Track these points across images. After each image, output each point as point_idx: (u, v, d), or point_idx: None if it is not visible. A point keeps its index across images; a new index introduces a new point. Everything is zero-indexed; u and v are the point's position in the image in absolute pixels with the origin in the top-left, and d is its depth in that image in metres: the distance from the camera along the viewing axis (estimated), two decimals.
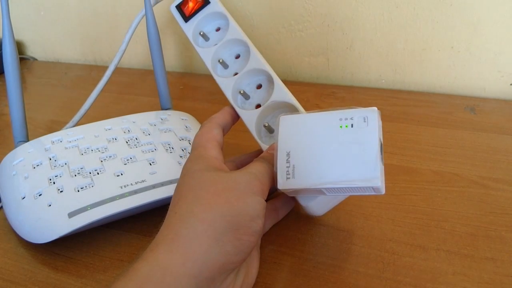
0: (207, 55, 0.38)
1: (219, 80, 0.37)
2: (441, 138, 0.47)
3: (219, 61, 0.38)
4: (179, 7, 0.41)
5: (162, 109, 0.51)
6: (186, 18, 0.40)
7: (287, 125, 0.30)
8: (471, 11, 0.53)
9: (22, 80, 0.71)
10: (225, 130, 0.35)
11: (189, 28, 0.40)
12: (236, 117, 0.36)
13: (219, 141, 0.32)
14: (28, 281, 0.33)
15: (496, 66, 0.55)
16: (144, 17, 0.47)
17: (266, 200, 0.29)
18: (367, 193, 0.28)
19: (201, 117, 0.49)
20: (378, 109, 0.28)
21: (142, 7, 0.47)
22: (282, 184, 0.29)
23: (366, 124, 0.28)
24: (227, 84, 0.37)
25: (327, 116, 0.29)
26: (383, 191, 0.27)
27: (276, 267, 0.33)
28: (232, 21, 0.38)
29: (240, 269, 0.28)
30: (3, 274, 0.33)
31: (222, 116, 0.35)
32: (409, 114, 0.53)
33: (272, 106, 0.35)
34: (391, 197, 0.38)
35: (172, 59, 0.72)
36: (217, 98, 0.58)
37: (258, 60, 0.36)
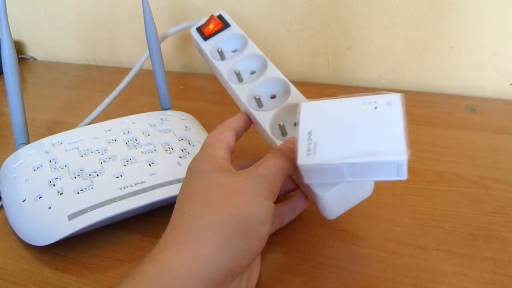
0: (224, 67, 0.39)
1: (234, 87, 0.38)
2: (441, 138, 0.47)
3: (235, 72, 0.39)
4: (199, 29, 0.42)
5: (162, 109, 0.51)
6: (206, 38, 0.42)
7: (309, 109, 0.30)
8: (471, 11, 0.53)
9: (22, 80, 0.71)
10: (238, 135, 0.34)
11: (208, 45, 0.41)
12: (249, 123, 0.36)
13: (230, 144, 0.32)
14: (28, 281, 0.33)
15: (496, 66, 0.55)
16: (144, 17, 0.47)
17: (275, 201, 0.28)
18: (389, 178, 0.27)
19: (201, 117, 0.50)
20: None
21: (141, 6, 0.47)
22: (303, 160, 0.28)
23: (390, 107, 0.28)
24: (242, 90, 0.37)
25: (350, 101, 0.29)
26: (406, 174, 0.26)
27: (276, 267, 0.33)
28: (250, 41, 0.40)
29: (243, 273, 0.28)
30: (3, 274, 0.34)
31: (236, 121, 0.35)
32: (409, 114, 0.52)
33: (287, 109, 0.35)
34: (391, 197, 0.38)
35: (172, 59, 0.72)
36: (217, 98, 0.58)
37: (276, 71, 0.37)
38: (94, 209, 0.34)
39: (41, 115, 0.58)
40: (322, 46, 0.62)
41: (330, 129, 0.28)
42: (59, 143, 0.41)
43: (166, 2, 0.67)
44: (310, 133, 0.29)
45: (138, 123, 0.44)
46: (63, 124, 0.55)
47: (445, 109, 0.53)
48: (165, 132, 0.43)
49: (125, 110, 0.57)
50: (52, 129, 0.54)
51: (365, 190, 0.32)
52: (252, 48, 0.40)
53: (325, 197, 0.30)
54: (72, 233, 0.33)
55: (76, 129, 0.44)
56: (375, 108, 0.28)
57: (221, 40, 0.41)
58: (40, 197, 0.35)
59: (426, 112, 0.53)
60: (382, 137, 0.26)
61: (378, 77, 0.61)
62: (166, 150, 0.40)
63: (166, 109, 0.50)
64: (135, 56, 0.73)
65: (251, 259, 0.27)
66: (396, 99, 0.28)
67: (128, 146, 0.40)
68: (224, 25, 0.41)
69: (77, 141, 0.41)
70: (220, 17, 0.42)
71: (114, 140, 0.41)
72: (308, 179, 0.29)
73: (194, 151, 0.41)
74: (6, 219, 0.37)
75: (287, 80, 0.37)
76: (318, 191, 0.30)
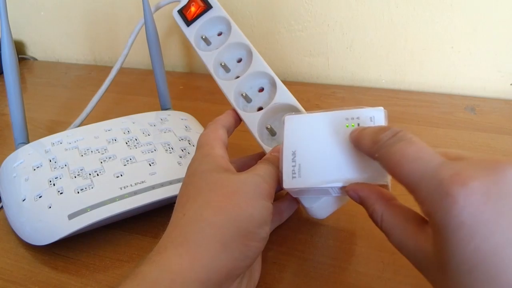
0: (209, 58, 0.38)
1: (221, 83, 0.37)
2: (441, 138, 0.47)
3: (221, 64, 0.38)
4: (181, 12, 0.40)
5: (162, 109, 0.51)
6: (188, 23, 0.40)
7: (292, 124, 0.30)
8: (471, 11, 0.53)
9: (22, 80, 0.71)
10: (229, 132, 0.35)
11: (191, 32, 0.40)
12: (238, 120, 0.36)
13: (225, 141, 0.32)
14: (28, 281, 0.33)
15: (496, 66, 0.55)
16: (144, 17, 0.47)
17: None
18: None
19: (201, 117, 0.50)
20: None
21: (141, 6, 0.47)
22: (288, 183, 0.29)
23: (373, 123, 0.27)
24: (229, 87, 0.37)
25: (333, 115, 0.29)
26: (390, 189, 0.27)
27: (276, 267, 0.33)
28: (234, 25, 0.38)
29: (244, 274, 0.28)
30: (3, 274, 0.33)
31: (226, 118, 0.35)
32: (409, 114, 0.53)
33: (274, 109, 0.35)
34: None
35: (172, 59, 0.72)
36: (217, 98, 0.58)
37: (260, 63, 0.36)
38: (94, 209, 0.34)
39: (41, 115, 0.58)
40: (322, 46, 0.62)
41: (313, 150, 0.29)
42: (59, 143, 0.41)
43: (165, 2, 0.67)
44: (294, 153, 0.29)
45: (138, 123, 0.44)
46: (63, 124, 0.55)
47: (445, 109, 0.53)
48: (165, 132, 0.43)
49: (125, 110, 0.57)
50: (52, 129, 0.54)
51: None
52: (236, 35, 0.38)
53: (312, 208, 0.32)
54: (72, 233, 0.33)
55: (76, 128, 0.44)
56: (358, 125, 0.28)
57: (205, 24, 0.39)
58: (40, 197, 0.35)
59: (426, 112, 0.53)
60: (364, 158, 0.27)
61: (378, 77, 0.61)
62: (166, 150, 0.40)
63: (166, 109, 0.50)
64: (135, 56, 0.73)
65: (251, 261, 0.27)
66: (378, 114, 0.28)
67: (128, 145, 0.40)
68: (206, 6, 0.39)
69: (77, 140, 0.41)
70: None
71: (114, 140, 0.41)
72: (295, 195, 0.31)
73: (194, 151, 0.41)
74: (6, 219, 0.37)
75: (272, 74, 0.36)
76: (305, 203, 0.32)
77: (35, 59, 0.82)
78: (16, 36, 0.80)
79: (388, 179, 0.26)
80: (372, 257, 0.33)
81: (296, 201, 0.35)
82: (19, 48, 0.82)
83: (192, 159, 0.31)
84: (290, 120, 0.30)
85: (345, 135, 0.28)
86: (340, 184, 0.27)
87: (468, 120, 0.50)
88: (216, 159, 0.30)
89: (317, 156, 0.28)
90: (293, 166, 0.29)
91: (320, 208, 0.32)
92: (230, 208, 0.26)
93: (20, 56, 0.80)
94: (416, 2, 0.54)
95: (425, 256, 0.22)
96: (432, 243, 0.21)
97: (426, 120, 0.51)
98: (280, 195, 0.36)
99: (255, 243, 0.26)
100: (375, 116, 0.28)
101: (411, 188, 0.22)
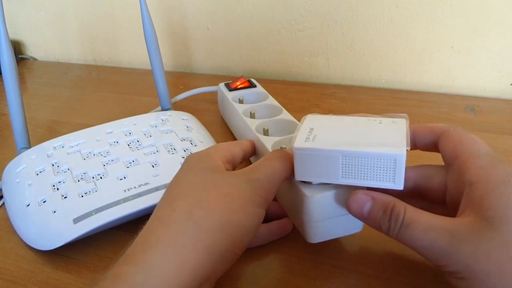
0: (240, 107, 0.44)
1: (248, 121, 0.41)
2: None
3: (250, 112, 0.43)
4: (227, 84, 0.49)
5: (162, 109, 0.51)
6: (231, 89, 0.48)
7: (313, 118, 0.31)
8: (471, 11, 0.53)
9: (22, 80, 0.71)
10: (245, 157, 0.35)
11: (231, 94, 0.47)
12: (254, 150, 0.37)
13: (235, 157, 0.32)
14: (28, 281, 0.33)
15: (496, 66, 0.55)
16: (142, 18, 0.47)
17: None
18: (384, 183, 0.26)
19: (201, 117, 0.50)
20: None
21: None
22: (300, 143, 0.27)
23: (395, 123, 0.29)
24: (252, 122, 0.40)
25: (355, 117, 0.30)
26: (403, 182, 0.26)
27: (277, 267, 0.33)
28: (271, 97, 0.46)
29: None
30: (3, 274, 0.33)
31: (246, 143, 0.36)
32: (409, 114, 0.52)
33: (291, 138, 0.36)
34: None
35: (172, 59, 0.72)
36: (217, 98, 0.58)
37: (288, 118, 0.41)
38: (99, 212, 0.34)
39: (41, 115, 0.58)
40: (322, 46, 0.62)
41: (332, 129, 0.29)
42: (61, 147, 0.41)
43: (165, 2, 0.67)
44: (311, 129, 0.29)
45: (139, 124, 0.44)
46: (63, 124, 0.55)
47: (445, 109, 0.53)
48: (166, 133, 0.43)
49: (126, 110, 0.57)
50: (52, 129, 0.54)
51: (354, 225, 0.31)
52: (271, 100, 0.45)
53: (312, 200, 0.28)
54: (78, 237, 0.33)
55: (78, 131, 0.43)
56: (380, 122, 0.29)
57: (245, 93, 0.47)
58: (44, 202, 0.35)
59: (426, 112, 0.53)
60: (383, 138, 0.27)
61: (378, 77, 0.61)
62: (168, 151, 0.40)
63: (167, 109, 0.50)
64: (135, 56, 0.73)
65: (229, 266, 0.27)
66: (401, 120, 0.29)
67: (130, 148, 0.40)
68: (251, 85, 0.49)
69: (79, 144, 0.41)
70: (249, 81, 0.50)
71: (116, 142, 0.41)
72: (299, 172, 0.28)
73: (196, 151, 0.41)
74: (6, 219, 0.37)
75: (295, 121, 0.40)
76: (307, 191, 0.29)
77: (35, 59, 0.82)
78: (16, 36, 0.80)
79: (405, 153, 0.26)
80: (372, 257, 0.33)
81: (289, 225, 0.34)
82: (19, 48, 0.82)
83: (194, 154, 0.30)
84: (311, 116, 0.31)
85: (365, 124, 0.29)
86: (352, 149, 0.26)
87: (468, 120, 0.50)
88: (214, 160, 0.29)
89: (335, 132, 0.29)
90: (308, 135, 0.28)
91: (320, 208, 0.29)
92: (221, 211, 0.25)
93: (20, 56, 0.80)
94: (416, 2, 0.54)
95: (462, 224, 0.23)
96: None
97: (426, 120, 0.51)
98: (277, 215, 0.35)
99: (238, 250, 0.26)
100: (397, 121, 0.29)
101: None
